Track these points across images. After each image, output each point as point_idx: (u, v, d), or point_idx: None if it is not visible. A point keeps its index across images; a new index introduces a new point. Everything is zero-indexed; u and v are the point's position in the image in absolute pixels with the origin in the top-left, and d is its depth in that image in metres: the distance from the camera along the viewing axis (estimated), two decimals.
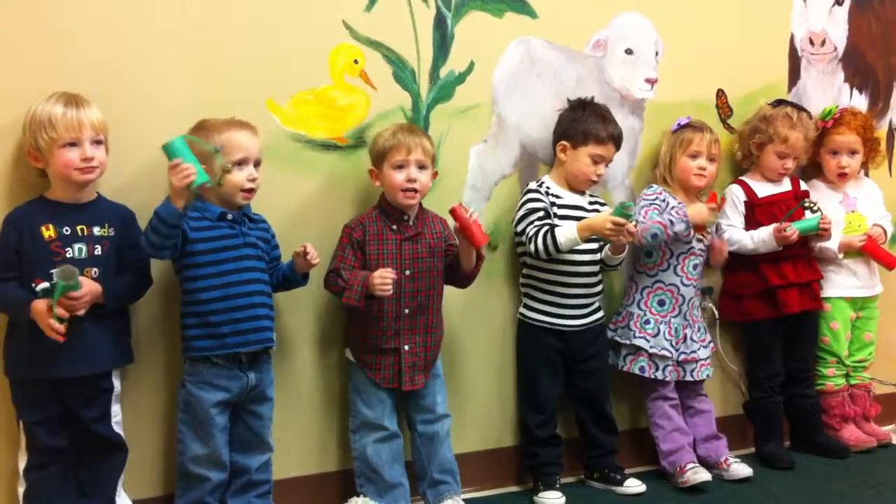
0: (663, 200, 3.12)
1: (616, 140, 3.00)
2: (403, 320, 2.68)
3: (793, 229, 3.19)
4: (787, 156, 3.34)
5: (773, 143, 3.33)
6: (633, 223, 2.83)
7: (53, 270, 2.18)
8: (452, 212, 2.64)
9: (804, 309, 3.33)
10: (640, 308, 3.12)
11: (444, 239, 2.77)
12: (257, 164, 2.49)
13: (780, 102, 3.40)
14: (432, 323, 2.74)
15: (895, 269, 3.45)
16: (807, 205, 3.29)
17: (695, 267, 3.14)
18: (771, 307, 3.31)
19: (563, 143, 3.00)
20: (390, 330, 2.67)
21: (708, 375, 3.19)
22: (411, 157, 2.65)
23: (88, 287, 2.25)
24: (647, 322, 3.09)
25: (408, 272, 2.68)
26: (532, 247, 2.88)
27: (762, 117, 3.36)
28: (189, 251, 2.41)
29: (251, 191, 2.48)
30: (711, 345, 3.23)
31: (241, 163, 2.44)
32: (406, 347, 2.68)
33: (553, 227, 2.86)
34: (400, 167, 2.65)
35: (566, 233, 2.84)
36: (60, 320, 2.18)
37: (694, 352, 3.13)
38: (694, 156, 3.14)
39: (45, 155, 2.28)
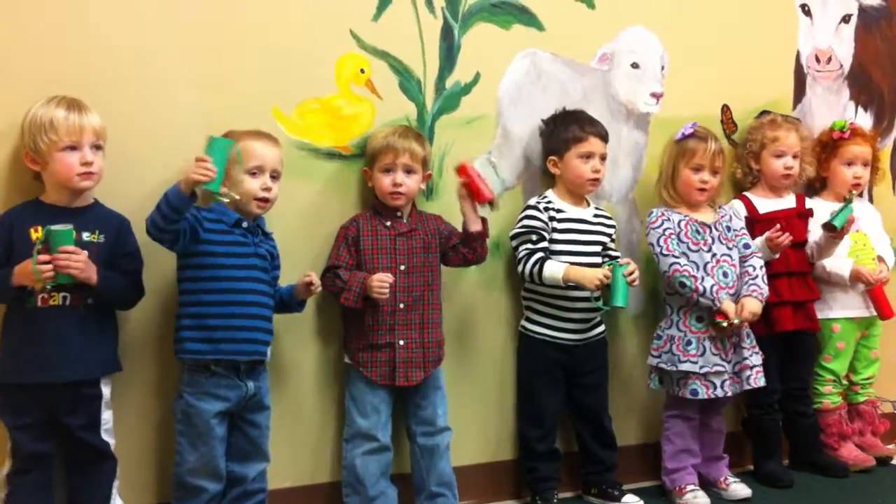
0: (668, 220, 3.06)
1: (597, 132, 2.98)
2: (398, 315, 2.68)
3: (786, 235, 3.14)
4: (783, 154, 3.33)
5: (765, 147, 3.34)
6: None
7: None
8: (461, 168, 2.67)
9: (798, 328, 3.29)
10: (679, 329, 3.01)
11: (438, 235, 2.77)
12: (275, 175, 2.50)
13: (763, 114, 3.44)
14: (428, 319, 2.73)
15: (889, 319, 3.46)
16: (848, 197, 3.29)
17: (724, 274, 3.04)
18: (765, 325, 3.26)
19: (552, 158, 3.01)
20: (385, 325, 2.67)
21: (765, 383, 3.06)
22: (399, 161, 2.67)
23: (85, 255, 2.21)
24: (689, 343, 2.98)
25: (402, 267, 2.69)
26: (519, 268, 2.90)
27: (749, 130, 3.43)
28: (198, 251, 2.40)
29: (265, 200, 2.48)
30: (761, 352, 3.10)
31: (255, 172, 2.46)
32: (401, 342, 2.68)
33: (545, 259, 2.86)
34: (387, 171, 2.68)
35: (554, 271, 2.85)
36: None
37: (746, 359, 3.01)
38: (697, 169, 3.07)
39: (44, 158, 2.27)
